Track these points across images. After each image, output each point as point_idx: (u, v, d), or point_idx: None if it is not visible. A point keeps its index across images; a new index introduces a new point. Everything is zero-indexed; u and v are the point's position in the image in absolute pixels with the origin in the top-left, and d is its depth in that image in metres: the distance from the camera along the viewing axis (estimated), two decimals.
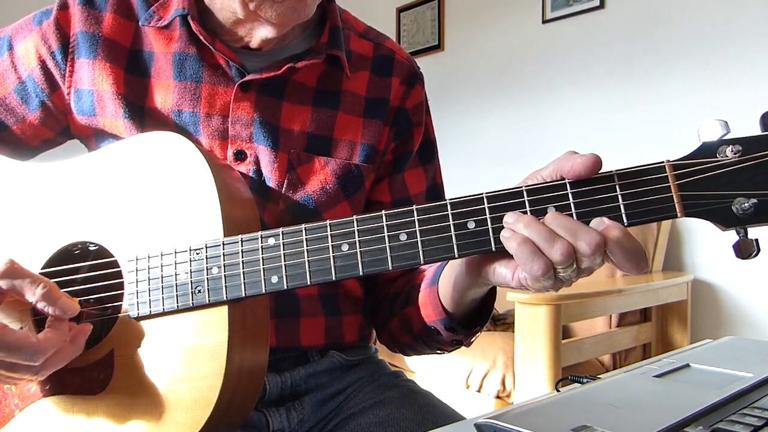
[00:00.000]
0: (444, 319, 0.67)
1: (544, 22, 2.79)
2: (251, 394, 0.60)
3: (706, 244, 2.20)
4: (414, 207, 0.53)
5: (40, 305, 0.56)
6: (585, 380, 0.61)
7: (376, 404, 0.75)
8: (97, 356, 0.60)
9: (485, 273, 0.56)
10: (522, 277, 0.52)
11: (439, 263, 0.68)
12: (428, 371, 2.15)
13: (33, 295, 0.56)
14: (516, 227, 0.50)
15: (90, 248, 0.66)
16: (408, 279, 0.78)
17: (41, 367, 0.54)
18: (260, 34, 0.71)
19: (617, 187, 0.50)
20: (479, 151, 3.05)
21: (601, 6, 2.59)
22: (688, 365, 0.60)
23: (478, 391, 1.97)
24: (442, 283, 0.66)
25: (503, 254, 0.52)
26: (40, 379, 0.57)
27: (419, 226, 0.53)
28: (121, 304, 0.61)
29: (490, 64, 3.03)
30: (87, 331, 0.58)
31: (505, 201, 0.52)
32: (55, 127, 0.76)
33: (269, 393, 0.72)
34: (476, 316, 0.69)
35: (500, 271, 0.54)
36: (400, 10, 3.46)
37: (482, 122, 3.05)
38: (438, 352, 0.76)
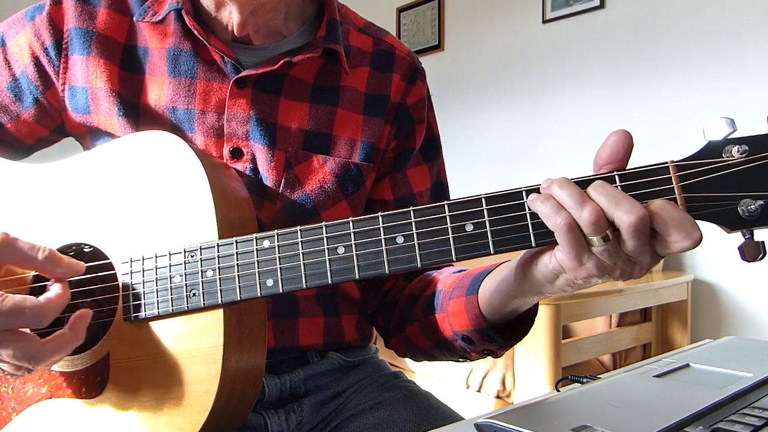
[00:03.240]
0: (482, 329, 0.64)
1: (544, 22, 2.78)
2: (249, 397, 0.60)
3: (706, 244, 2.19)
4: (411, 209, 0.52)
5: (44, 269, 0.55)
6: (585, 380, 0.61)
7: (375, 405, 0.74)
8: (92, 360, 0.60)
9: (529, 270, 0.53)
10: (559, 258, 0.49)
11: (478, 272, 0.66)
12: (428, 371, 2.15)
13: (34, 260, 0.55)
14: (550, 190, 0.48)
15: (85, 250, 0.65)
16: (427, 282, 0.76)
17: (41, 354, 0.52)
18: (233, 18, 0.71)
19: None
20: (479, 151, 3.04)
21: (601, 6, 2.58)
22: (688, 365, 0.60)
23: (478, 391, 1.97)
24: (483, 295, 0.63)
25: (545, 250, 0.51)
26: (39, 369, 0.55)
27: (416, 229, 0.52)
28: (116, 307, 0.60)
29: (490, 64, 3.03)
30: (86, 316, 0.56)
31: (504, 202, 0.50)
32: (49, 125, 0.75)
33: (268, 395, 0.71)
34: (512, 329, 0.66)
35: (541, 259, 0.52)
36: (400, 10, 3.46)
37: (482, 122, 3.05)
38: (460, 360, 0.74)
